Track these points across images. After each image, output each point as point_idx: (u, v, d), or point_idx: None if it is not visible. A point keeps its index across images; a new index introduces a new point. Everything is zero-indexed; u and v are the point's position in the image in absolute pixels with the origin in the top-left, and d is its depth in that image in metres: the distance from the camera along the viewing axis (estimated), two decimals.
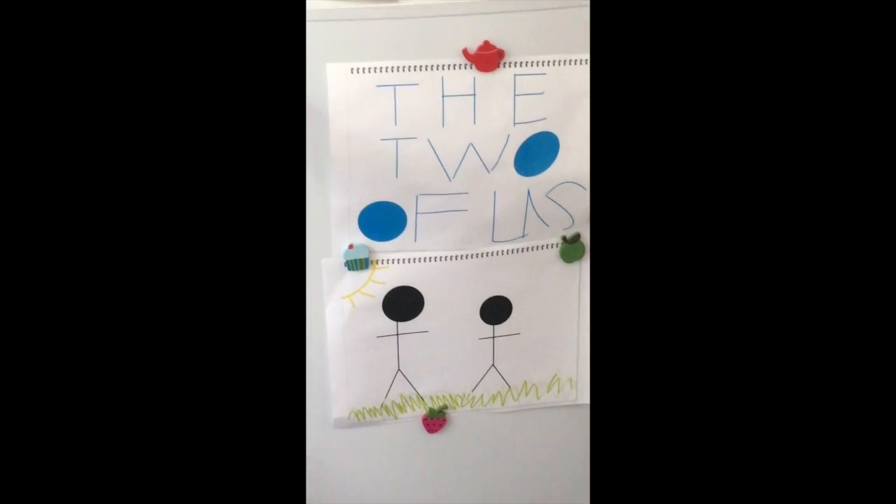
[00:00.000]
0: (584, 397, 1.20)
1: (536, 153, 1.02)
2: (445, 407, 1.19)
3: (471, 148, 1.00)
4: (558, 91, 0.99)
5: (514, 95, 0.98)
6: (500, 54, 0.96)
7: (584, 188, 1.05)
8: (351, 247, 1.05)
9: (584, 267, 1.12)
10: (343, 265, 1.06)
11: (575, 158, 1.03)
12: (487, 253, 1.08)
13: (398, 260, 1.07)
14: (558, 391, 1.21)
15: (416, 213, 1.04)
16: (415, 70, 0.95)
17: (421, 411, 1.19)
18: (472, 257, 1.08)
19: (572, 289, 1.14)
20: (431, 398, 1.18)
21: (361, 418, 1.17)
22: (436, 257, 1.07)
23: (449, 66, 0.95)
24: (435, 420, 1.20)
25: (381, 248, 1.06)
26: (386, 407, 1.17)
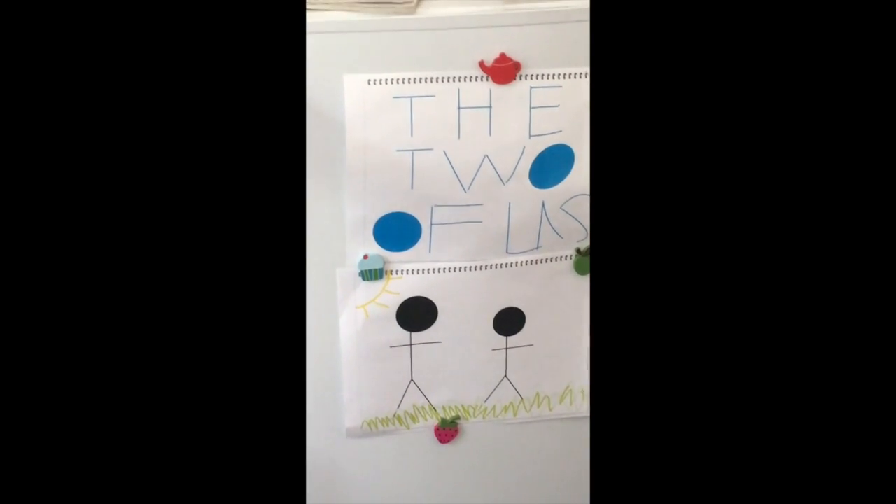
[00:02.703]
0: None
1: (551, 165, 1.02)
2: (458, 417, 1.19)
3: (486, 160, 1.00)
4: (574, 103, 0.99)
5: (530, 108, 0.99)
6: (517, 67, 0.96)
7: None
8: (366, 257, 1.05)
9: None
10: (357, 275, 1.06)
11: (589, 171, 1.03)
12: (501, 264, 1.08)
13: (412, 270, 1.07)
14: (570, 403, 1.21)
15: (431, 223, 1.04)
16: (431, 82, 0.96)
17: (433, 422, 1.19)
18: (486, 268, 1.08)
19: (586, 301, 1.13)
20: (444, 408, 1.18)
21: (374, 428, 1.17)
22: (450, 268, 1.08)
23: (465, 77, 0.96)
24: (447, 430, 1.20)
25: (396, 259, 1.07)
26: (398, 417, 1.17)
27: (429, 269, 1.08)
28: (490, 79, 0.96)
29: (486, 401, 1.19)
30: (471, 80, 0.96)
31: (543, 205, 1.05)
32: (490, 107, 0.98)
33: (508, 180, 1.02)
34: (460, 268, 1.08)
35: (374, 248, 1.05)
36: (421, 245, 1.06)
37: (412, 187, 1.00)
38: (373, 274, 1.06)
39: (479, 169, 1.00)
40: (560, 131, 1.01)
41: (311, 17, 0.94)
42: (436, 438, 1.20)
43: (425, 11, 0.96)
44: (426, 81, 0.96)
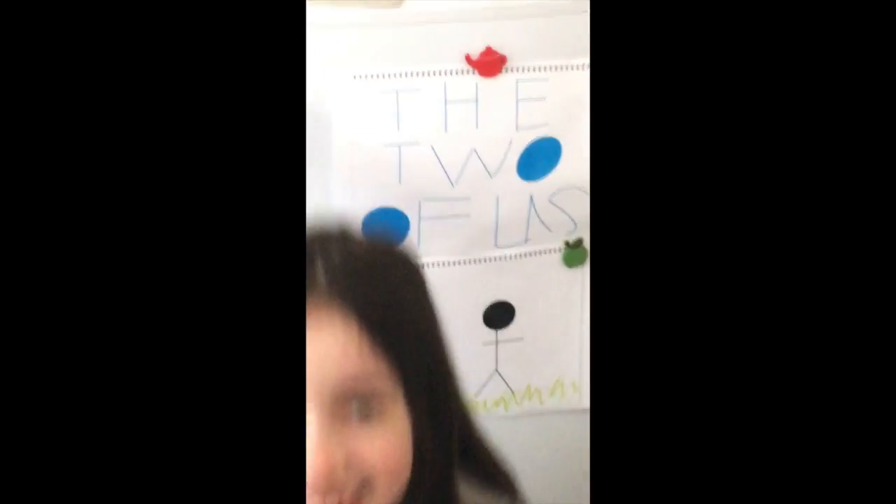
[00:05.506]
0: (588, 402, 1.20)
1: (539, 158, 1.03)
2: None
3: (473, 153, 1.00)
4: (560, 96, 1.00)
5: (517, 101, 0.99)
6: (503, 60, 0.97)
7: (586, 193, 1.06)
8: None
9: (586, 271, 1.13)
10: None
11: (577, 163, 1.04)
12: (490, 258, 1.09)
13: None
14: (561, 395, 1.21)
15: (419, 218, 1.04)
16: (417, 76, 0.96)
17: None
18: (474, 262, 1.08)
19: (575, 293, 1.14)
20: None
21: None
22: (439, 263, 1.08)
23: (451, 71, 0.96)
24: None
25: None
26: None
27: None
28: (476, 72, 0.97)
29: (477, 395, 1.19)
30: (457, 74, 0.96)
31: (531, 198, 1.05)
32: (476, 100, 0.98)
33: (496, 174, 1.02)
34: (449, 262, 1.08)
35: None
36: (409, 240, 1.06)
37: (400, 182, 1.00)
38: None
39: (466, 163, 1.00)
40: (547, 124, 1.01)
41: None
42: None
43: (410, 6, 0.96)
44: (412, 76, 0.96)
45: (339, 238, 0.65)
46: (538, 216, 1.07)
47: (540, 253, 1.10)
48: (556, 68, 0.98)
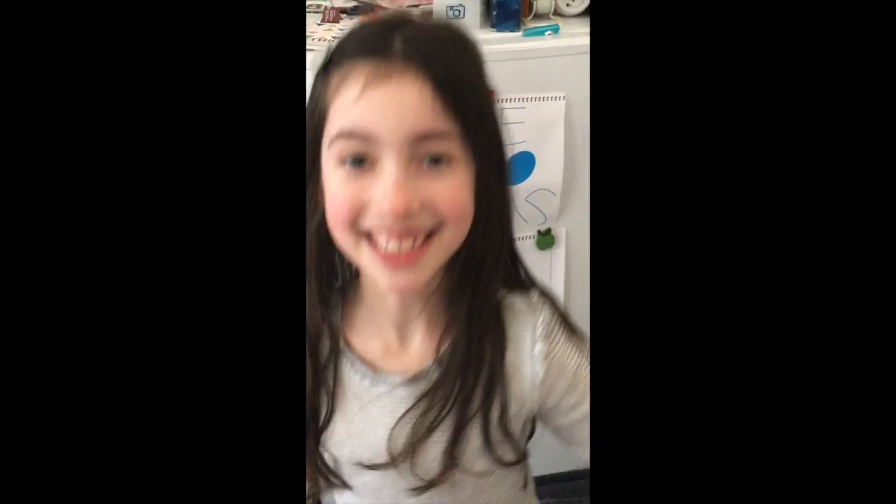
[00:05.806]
0: None
1: (518, 167, 1.26)
2: None
3: None
4: (535, 120, 1.24)
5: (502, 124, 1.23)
6: (492, 93, 1.19)
7: (554, 194, 1.31)
8: None
9: (554, 254, 1.37)
10: None
11: (547, 171, 1.28)
12: None
13: None
14: None
15: None
16: None
17: None
18: None
19: (545, 271, 1.38)
20: None
21: None
22: None
23: None
24: None
25: None
26: None
27: None
28: None
29: None
30: None
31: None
32: None
33: None
34: None
35: None
36: None
37: None
38: None
39: None
40: (524, 141, 1.24)
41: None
42: None
43: None
44: None
45: (412, 16, 0.69)
46: (517, 211, 1.24)
47: (518, 239, 1.24)
48: (532, 99, 1.23)
